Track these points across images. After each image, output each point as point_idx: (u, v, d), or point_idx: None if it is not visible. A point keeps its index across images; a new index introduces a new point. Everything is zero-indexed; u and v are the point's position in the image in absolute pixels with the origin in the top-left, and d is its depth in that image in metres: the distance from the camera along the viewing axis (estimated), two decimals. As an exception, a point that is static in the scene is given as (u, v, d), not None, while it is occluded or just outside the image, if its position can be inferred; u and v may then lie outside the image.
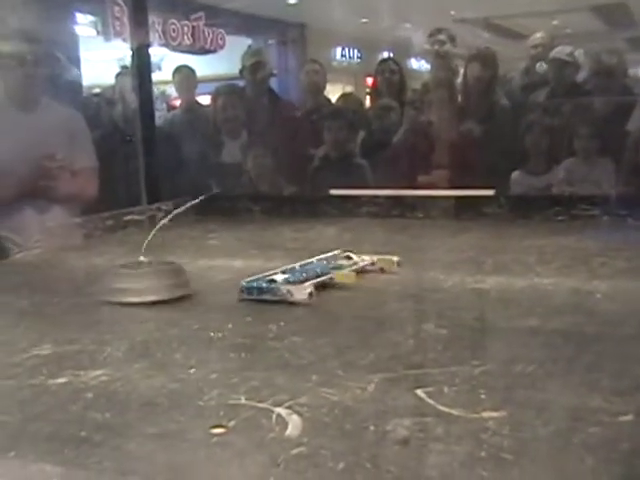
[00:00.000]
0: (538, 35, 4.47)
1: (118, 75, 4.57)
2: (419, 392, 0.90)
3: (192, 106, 4.50)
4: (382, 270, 1.60)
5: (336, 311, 1.33)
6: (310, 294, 1.34)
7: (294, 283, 1.38)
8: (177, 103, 5.10)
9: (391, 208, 2.38)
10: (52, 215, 2.50)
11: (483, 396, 0.89)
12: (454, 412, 0.84)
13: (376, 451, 0.76)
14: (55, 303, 1.47)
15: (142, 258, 1.49)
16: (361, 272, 1.56)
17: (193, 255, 1.88)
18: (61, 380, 0.99)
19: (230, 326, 1.23)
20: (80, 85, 4.38)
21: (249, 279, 1.42)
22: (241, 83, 4.32)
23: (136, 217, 2.39)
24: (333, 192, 2.58)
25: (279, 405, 0.87)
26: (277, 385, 0.94)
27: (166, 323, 1.27)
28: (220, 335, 1.18)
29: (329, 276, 1.48)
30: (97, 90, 4.90)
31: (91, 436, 0.81)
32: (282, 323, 1.23)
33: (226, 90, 4.18)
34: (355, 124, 3.98)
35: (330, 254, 1.65)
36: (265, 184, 3.74)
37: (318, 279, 1.43)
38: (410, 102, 3.95)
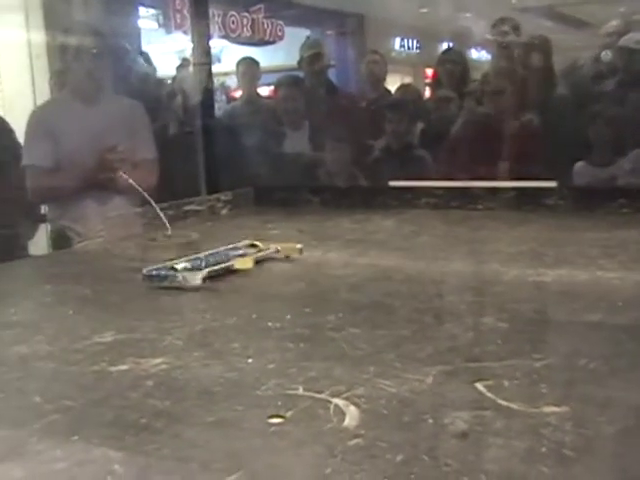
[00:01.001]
0: (613, 23, 4.34)
1: (179, 67, 4.63)
2: (478, 385, 0.89)
3: (253, 97, 4.52)
4: (287, 257, 1.65)
5: (393, 304, 1.32)
6: (203, 279, 1.42)
7: (192, 270, 1.45)
8: (236, 94, 5.13)
9: (451, 200, 2.35)
10: (113, 206, 2.54)
11: (544, 390, 0.87)
12: (514, 406, 0.83)
13: (434, 444, 0.75)
14: (116, 291, 1.49)
15: None
16: (265, 259, 1.63)
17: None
18: (122, 367, 1.01)
19: (289, 316, 1.23)
20: (142, 78, 4.43)
21: (150, 267, 1.48)
22: (300, 74, 4.32)
23: (196, 207, 2.41)
24: (392, 183, 2.57)
25: (337, 396, 0.87)
26: (335, 376, 0.94)
27: (225, 313, 1.28)
28: (278, 325, 1.18)
29: (229, 263, 1.53)
30: (158, 82, 4.95)
31: (151, 423, 0.82)
32: (341, 314, 1.22)
33: (287, 81, 4.19)
34: (415, 115, 3.94)
35: (239, 243, 1.70)
36: (340, 176, 3.73)
37: (217, 266, 1.50)
38: (470, 93, 3.90)
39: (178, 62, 4.79)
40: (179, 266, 1.48)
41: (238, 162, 3.58)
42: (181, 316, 1.29)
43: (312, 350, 1.07)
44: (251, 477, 0.70)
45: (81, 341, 1.14)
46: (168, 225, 1.85)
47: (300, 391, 0.89)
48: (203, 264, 1.50)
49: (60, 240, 2.46)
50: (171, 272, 1.46)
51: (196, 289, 1.43)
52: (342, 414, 0.82)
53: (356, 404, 0.85)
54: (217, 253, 1.60)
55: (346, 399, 0.86)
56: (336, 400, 0.86)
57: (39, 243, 3.03)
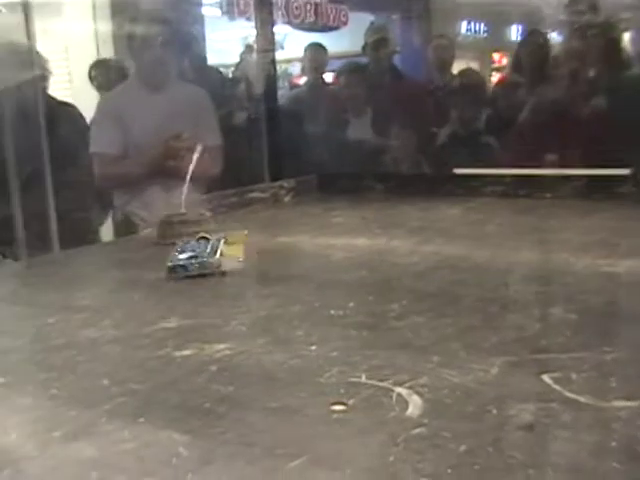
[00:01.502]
0: None
1: (242, 54, 4.65)
2: (545, 377, 0.87)
3: (317, 83, 4.52)
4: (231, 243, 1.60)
5: (459, 293, 1.31)
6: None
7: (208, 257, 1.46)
8: (299, 82, 5.13)
9: (518, 188, 2.31)
10: (178, 193, 2.57)
11: (614, 384, 0.85)
12: (582, 399, 0.81)
13: (499, 435, 0.74)
14: (181, 277, 1.51)
15: None
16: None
17: (314, 233, 1.89)
18: (186, 352, 1.02)
19: (351, 304, 1.23)
20: (206, 65, 4.47)
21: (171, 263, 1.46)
22: (365, 60, 4.29)
23: (259, 195, 2.43)
24: (458, 171, 2.54)
25: (400, 385, 0.87)
26: (398, 364, 0.94)
27: (288, 300, 1.28)
28: (341, 313, 1.18)
29: (222, 241, 1.52)
30: (222, 69, 4.99)
31: (215, 407, 0.83)
32: (405, 302, 1.22)
33: (349, 68, 4.17)
34: (482, 101, 3.89)
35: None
36: (405, 164, 3.71)
37: (219, 249, 1.49)
38: (542, 77, 3.81)
39: (241, 49, 4.81)
40: (183, 256, 1.48)
41: (301, 149, 3.59)
42: (245, 302, 1.30)
43: (375, 338, 1.06)
44: (314, 463, 0.70)
45: (147, 326, 1.15)
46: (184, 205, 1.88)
47: (363, 379, 0.89)
48: (205, 251, 1.50)
49: (126, 226, 2.51)
50: (199, 260, 1.46)
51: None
52: (405, 403, 0.82)
53: (419, 393, 0.84)
54: (185, 245, 1.56)
55: (409, 388, 0.86)
56: (399, 389, 0.85)
57: (106, 229, 3.09)
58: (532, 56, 3.94)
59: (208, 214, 1.89)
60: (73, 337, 1.13)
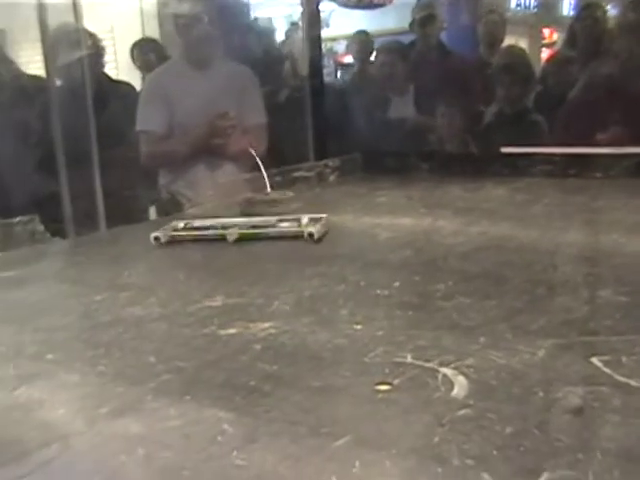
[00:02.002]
0: None
1: (288, 32, 4.62)
2: (594, 360, 0.86)
3: (364, 67, 4.48)
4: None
5: (505, 275, 1.29)
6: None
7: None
8: (344, 60, 5.10)
9: (567, 167, 2.27)
10: (223, 171, 2.58)
11: (666, 368, 0.83)
12: (633, 383, 0.79)
13: (545, 418, 0.73)
14: (225, 257, 1.52)
15: None
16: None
17: (360, 212, 1.89)
18: (231, 331, 1.03)
19: (397, 284, 1.22)
20: (252, 43, 4.46)
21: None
22: (407, 38, 4.24)
23: (304, 173, 2.42)
24: (505, 150, 2.50)
25: (445, 365, 0.86)
26: (444, 345, 0.93)
27: (332, 279, 1.28)
28: (386, 292, 1.17)
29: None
30: (267, 47, 4.97)
31: (260, 386, 0.83)
32: (451, 283, 1.20)
33: (388, 47, 4.12)
34: (529, 78, 3.81)
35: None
36: (451, 143, 3.66)
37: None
38: (596, 52, 3.70)
39: (287, 27, 4.79)
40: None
41: (346, 128, 3.57)
42: (289, 282, 1.30)
43: (421, 318, 1.05)
44: (359, 443, 0.70)
45: (192, 304, 1.16)
46: (268, 185, 1.96)
47: (408, 359, 0.89)
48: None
49: (171, 205, 2.52)
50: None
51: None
52: (450, 384, 0.81)
53: (465, 374, 0.83)
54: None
55: (455, 369, 0.85)
56: (445, 369, 0.85)
57: (152, 208, 3.11)
58: (587, 31, 3.82)
59: (291, 194, 1.93)
60: (119, 315, 1.14)
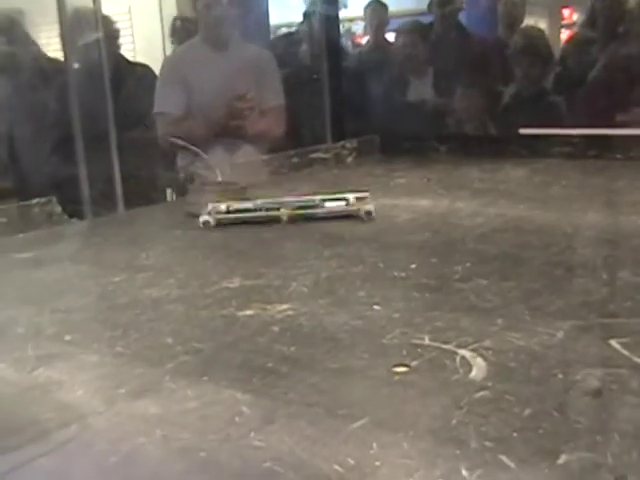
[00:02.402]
0: None
1: (305, 13, 4.60)
2: (613, 342, 0.85)
3: (379, 43, 4.45)
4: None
5: (523, 256, 1.28)
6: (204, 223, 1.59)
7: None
8: (362, 41, 5.06)
9: (587, 148, 2.25)
10: (241, 153, 2.57)
11: (686, 350, 0.82)
12: (653, 365, 0.79)
13: (564, 400, 0.73)
14: (243, 238, 1.52)
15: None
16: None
17: (378, 193, 1.88)
18: (249, 312, 1.03)
19: (414, 266, 1.22)
20: (269, 24, 4.44)
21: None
22: (426, 19, 4.20)
23: (322, 155, 2.42)
24: (523, 131, 2.48)
25: (463, 347, 0.86)
26: (462, 327, 0.93)
27: (350, 260, 1.28)
28: (404, 274, 1.17)
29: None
30: (285, 29, 4.95)
31: (277, 367, 0.83)
32: (468, 265, 1.20)
33: (409, 28, 4.09)
34: (548, 59, 3.77)
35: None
36: (469, 124, 3.63)
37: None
38: (616, 33, 3.66)
39: (305, 8, 4.76)
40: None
41: (364, 109, 3.55)
42: (306, 263, 1.30)
43: (438, 300, 1.05)
44: (376, 424, 0.70)
45: (210, 286, 1.16)
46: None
47: (426, 341, 0.88)
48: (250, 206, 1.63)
49: (189, 187, 2.51)
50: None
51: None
52: (469, 366, 0.81)
53: (483, 356, 0.83)
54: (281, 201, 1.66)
55: (473, 351, 0.85)
56: (463, 351, 0.85)
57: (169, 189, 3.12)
58: (607, 11, 3.78)
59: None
60: (137, 296, 1.15)
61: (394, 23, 4.61)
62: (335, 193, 1.68)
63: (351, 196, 1.65)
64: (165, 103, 2.63)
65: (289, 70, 3.82)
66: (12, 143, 2.79)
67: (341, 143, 2.51)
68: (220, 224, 1.60)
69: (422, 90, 3.98)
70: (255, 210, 1.64)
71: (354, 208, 1.62)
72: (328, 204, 1.64)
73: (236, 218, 1.62)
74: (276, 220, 1.60)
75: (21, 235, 1.65)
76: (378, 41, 4.47)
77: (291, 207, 1.62)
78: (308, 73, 3.54)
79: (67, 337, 0.99)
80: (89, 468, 0.67)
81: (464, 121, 3.68)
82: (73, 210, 1.86)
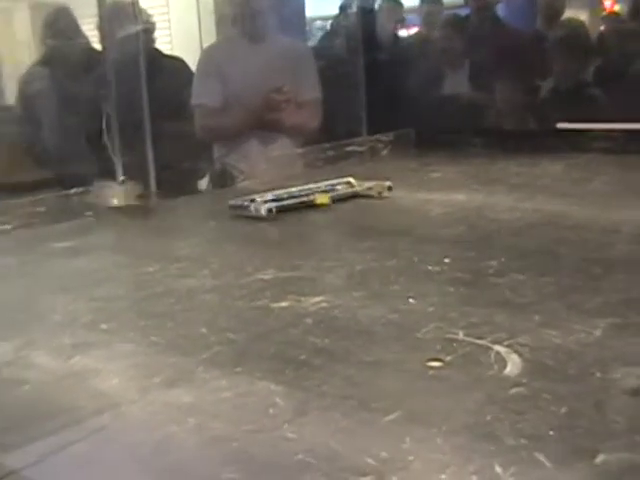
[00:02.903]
0: None
1: (342, 6, 4.58)
2: (653, 340, 0.84)
3: (418, 36, 4.42)
4: (379, 194, 1.74)
5: (560, 252, 1.27)
6: (270, 211, 1.58)
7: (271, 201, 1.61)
8: (400, 33, 5.02)
9: (627, 143, 2.21)
10: (276, 146, 2.57)
11: None
12: (694, 364, 0.77)
13: (602, 398, 0.71)
14: (277, 230, 1.52)
15: None
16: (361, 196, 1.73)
17: (412, 187, 1.87)
18: (283, 304, 1.03)
19: (448, 260, 1.21)
20: (305, 16, 4.43)
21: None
22: (462, 12, 4.17)
23: (357, 148, 2.41)
24: (561, 126, 2.44)
25: (498, 343, 0.85)
26: (497, 322, 0.92)
27: (384, 254, 1.27)
28: (439, 268, 1.16)
29: (306, 198, 1.66)
30: (320, 21, 4.94)
31: (311, 360, 0.83)
32: (504, 260, 1.19)
33: (446, 20, 4.06)
34: (588, 52, 3.72)
35: (334, 181, 1.79)
36: (505, 118, 3.60)
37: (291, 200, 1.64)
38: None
39: (341, 1, 4.75)
40: (260, 198, 1.62)
41: (399, 103, 3.53)
42: (341, 255, 1.29)
43: (473, 295, 1.04)
44: (409, 418, 0.69)
45: (244, 277, 1.17)
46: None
47: (460, 336, 0.88)
48: (284, 196, 1.66)
49: (224, 178, 2.53)
50: (248, 203, 1.61)
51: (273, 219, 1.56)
52: (503, 362, 0.80)
53: (518, 352, 0.82)
54: (305, 189, 1.71)
55: (508, 347, 0.84)
56: (497, 347, 0.84)
57: (205, 180, 3.13)
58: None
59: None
60: (172, 286, 1.15)
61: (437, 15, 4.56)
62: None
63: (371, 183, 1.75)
64: (202, 95, 2.64)
65: (325, 63, 3.81)
66: (53, 133, 2.82)
67: (376, 136, 2.50)
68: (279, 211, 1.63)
69: (458, 83, 3.95)
70: (288, 198, 1.66)
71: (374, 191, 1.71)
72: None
73: (298, 204, 1.65)
74: (310, 206, 1.62)
75: (59, 225, 1.66)
76: (417, 34, 4.43)
77: (320, 191, 1.68)
78: (344, 66, 3.53)
79: (103, 326, 0.99)
80: (122, 455, 0.67)
81: (500, 115, 3.65)
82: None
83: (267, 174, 2.14)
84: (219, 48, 2.90)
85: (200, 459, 0.65)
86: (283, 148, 2.53)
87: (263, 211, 1.58)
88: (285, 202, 1.63)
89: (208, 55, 2.87)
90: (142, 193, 1.85)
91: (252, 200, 1.63)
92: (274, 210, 1.59)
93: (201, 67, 2.71)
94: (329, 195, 1.68)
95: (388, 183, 1.71)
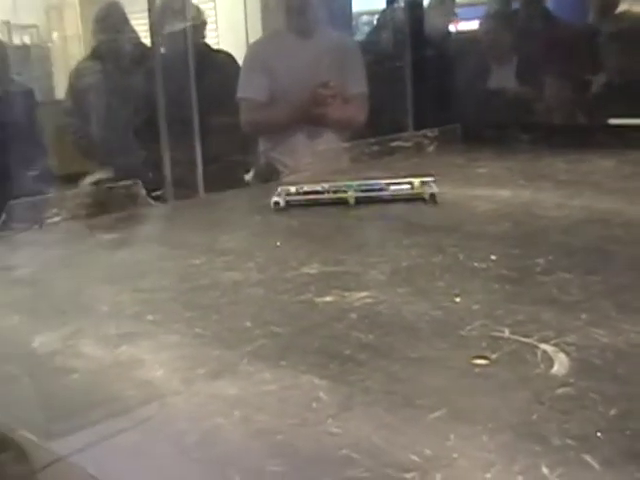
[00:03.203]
0: None
1: (389, 1, 4.56)
2: None
3: (462, 30, 4.38)
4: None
5: (610, 250, 1.25)
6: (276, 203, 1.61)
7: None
8: (449, 28, 4.99)
9: (681, 139, 2.16)
10: (322, 140, 2.57)
11: None
12: None
13: (653, 401, 0.70)
14: (323, 224, 1.52)
15: None
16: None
17: (458, 183, 1.85)
18: (327, 299, 1.03)
19: (494, 257, 1.20)
20: (351, 11, 4.42)
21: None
22: (513, 6, 4.12)
23: (402, 143, 2.40)
24: (613, 121, 2.40)
25: (545, 342, 0.84)
26: (543, 321, 0.90)
27: (429, 250, 1.26)
28: (484, 265, 1.15)
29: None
30: (367, 16, 4.93)
31: (355, 355, 0.83)
32: (551, 257, 1.17)
33: (493, 14, 4.01)
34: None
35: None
36: (554, 113, 3.55)
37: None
38: None
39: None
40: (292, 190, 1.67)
41: (446, 98, 3.51)
42: (386, 251, 1.29)
43: (520, 293, 1.03)
44: (454, 416, 0.69)
45: (289, 271, 1.17)
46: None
47: (506, 334, 0.87)
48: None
49: (269, 172, 2.53)
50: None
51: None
52: (550, 361, 0.79)
53: (566, 351, 0.81)
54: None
55: (555, 345, 0.83)
56: (544, 346, 0.83)
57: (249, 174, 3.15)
58: None
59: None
60: (217, 278, 1.16)
61: (478, 10, 4.53)
62: (401, 178, 1.72)
63: (416, 180, 1.68)
64: (248, 89, 2.65)
65: (372, 58, 3.80)
66: (102, 126, 2.86)
67: (422, 132, 2.48)
68: (289, 205, 1.63)
69: (506, 78, 3.91)
70: (323, 192, 1.67)
71: (418, 191, 1.65)
72: (393, 187, 1.68)
73: (305, 200, 1.66)
74: (343, 202, 1.61)
75: (105, 216, 1.69)
76: (462, 29, 4.39)
77: (358, 189, 1.65)
78: (391, 61, 3.52)
79: (149, 317, 1.01)
80: (169, 445, 0.68)
81: (549, 110, 3.60)
82: (156, 193, 1.90)
83: (312, 168, 2.14)
84: (266, 43, 2.91)
85: (245, 451, 0.66)
86: (329, 143, 2.53)
87: (281, 202, 1.62)
88: (303, 197, 1.66)
89: (255, 50, 2.88)
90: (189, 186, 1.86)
91: (288, 194, 1.65)
92: (282, 204, 1.62)
93: (247, 61, 2.72)
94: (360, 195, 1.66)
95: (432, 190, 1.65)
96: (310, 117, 2.54)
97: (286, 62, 2.63)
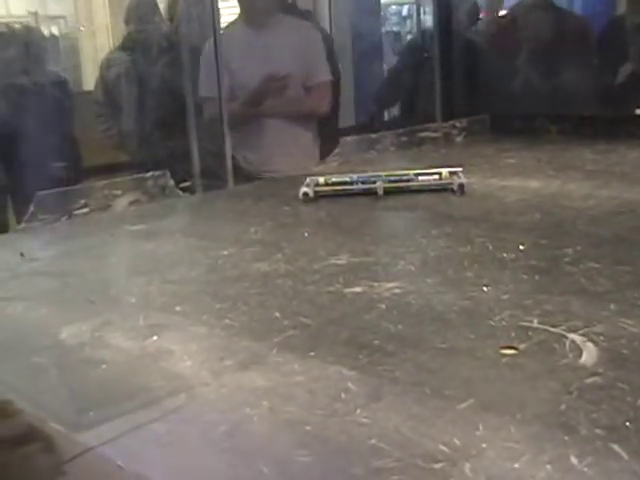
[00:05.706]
0: None
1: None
2: None
3: (493, 21, 4.34)
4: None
5: (637, 240, 1.23)
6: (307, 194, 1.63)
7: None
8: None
9: None
10: (288, 134, 2.50)
11: None
12: None
13: (683, 392, 0.70)
14: (350, 215, 1.52)
15: None
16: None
17: (487, 174, 1.84)
18: (356, 289, 1.03)
19: (523, 247, 1.19)
20: (380, 2, 4.41)
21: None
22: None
23: (431, 134, 2.39)
24: (640, 112, 2.37)
25: (573, 331, 0.83)
26: (572, 311, 0.90)
27: (458, 240, 1.26)
28: (513, 256, 1.15)
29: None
30: (394, 7, 4.91)
31: (384, 345, 0.83)
32: (579, 248, 1.16)
33: (522, 6, 3.97)
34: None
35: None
36: (581, 105, 3.52)
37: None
38: None
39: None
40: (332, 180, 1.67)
41: (474, 88, 3.49)
42: (414, 241, 1.29)
43: (548, 283, 1.03)
44: (483, 406, 0.69)
45: (317, 262, 1.17)
46: None
47: (535, 324, 0.87)
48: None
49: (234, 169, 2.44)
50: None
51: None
52: (579, 350, 0.79)
53: (594, 341, 0.81)
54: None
55: (583, 335, 0.82)
56: (573, 336, 0.82)
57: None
58: None
59: None
60: (246, 270, 1.17)
61: (508, 1, 4.49)
62: (429, 168, 1.72)
63: (444, 171, 1.68)
64: (209, 87, 2.54)
65: (400, 48, 3.78)
66: (132, 117, 2.87)
67: (451, 122, 2.47)
68: (318, 196, 1.64)
69: (534, 69, 3.87)
70: (352, 183, 1.67)
71: (447, 182, 1.64)
72: (422, 178, 1.67)
73: (334, 190, 1.66)
74: (372, 193, 1.61)
75: (134, 208, 1.70)
76: (492, 19, 4.36)
77: (386, 180, 1.65)
78: (419, 51, 3.50)
79: (177, 308, 1.01)
80: (199, 436, 0.69)
81: (577, 101, 3.56)
82: (185, 184, 1.90)
83: (285, 163, 2.15)
84: (222, 36, 2.79)
85: (274, 442, 0.66)
86: (297, 136, 2.49)
87: (310, 193, 1.62)
88: (331, 188, 1.67)
89: (210, 46, 2.75)
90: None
91: (317, 184, 1.66)
92: (311, 195, 1.63)
93: (204, 59, 2.60)
94: (389, 186, 1.65)
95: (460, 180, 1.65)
96: (263, 110, 2.48)
97: (242, 55, 2.54)
